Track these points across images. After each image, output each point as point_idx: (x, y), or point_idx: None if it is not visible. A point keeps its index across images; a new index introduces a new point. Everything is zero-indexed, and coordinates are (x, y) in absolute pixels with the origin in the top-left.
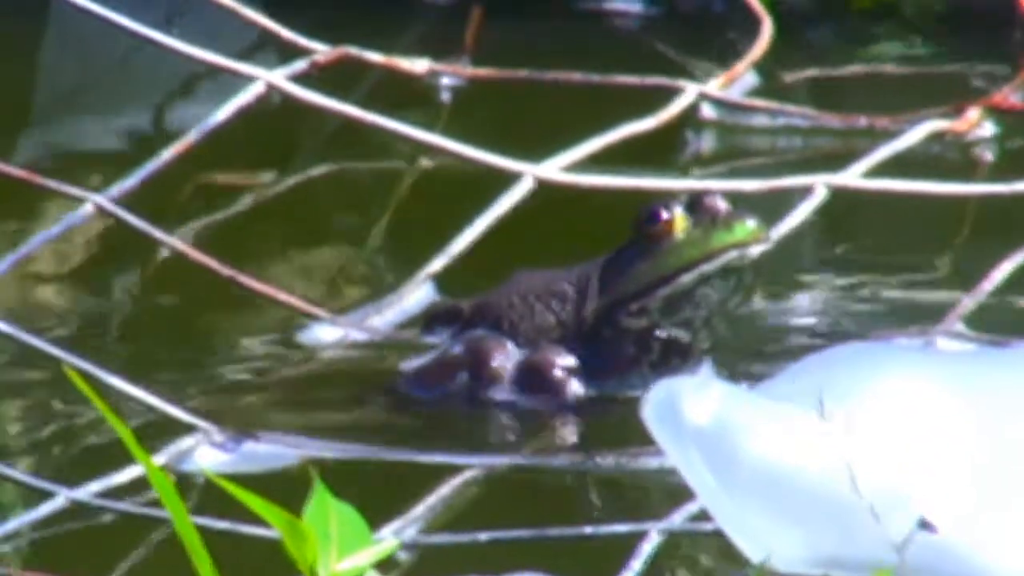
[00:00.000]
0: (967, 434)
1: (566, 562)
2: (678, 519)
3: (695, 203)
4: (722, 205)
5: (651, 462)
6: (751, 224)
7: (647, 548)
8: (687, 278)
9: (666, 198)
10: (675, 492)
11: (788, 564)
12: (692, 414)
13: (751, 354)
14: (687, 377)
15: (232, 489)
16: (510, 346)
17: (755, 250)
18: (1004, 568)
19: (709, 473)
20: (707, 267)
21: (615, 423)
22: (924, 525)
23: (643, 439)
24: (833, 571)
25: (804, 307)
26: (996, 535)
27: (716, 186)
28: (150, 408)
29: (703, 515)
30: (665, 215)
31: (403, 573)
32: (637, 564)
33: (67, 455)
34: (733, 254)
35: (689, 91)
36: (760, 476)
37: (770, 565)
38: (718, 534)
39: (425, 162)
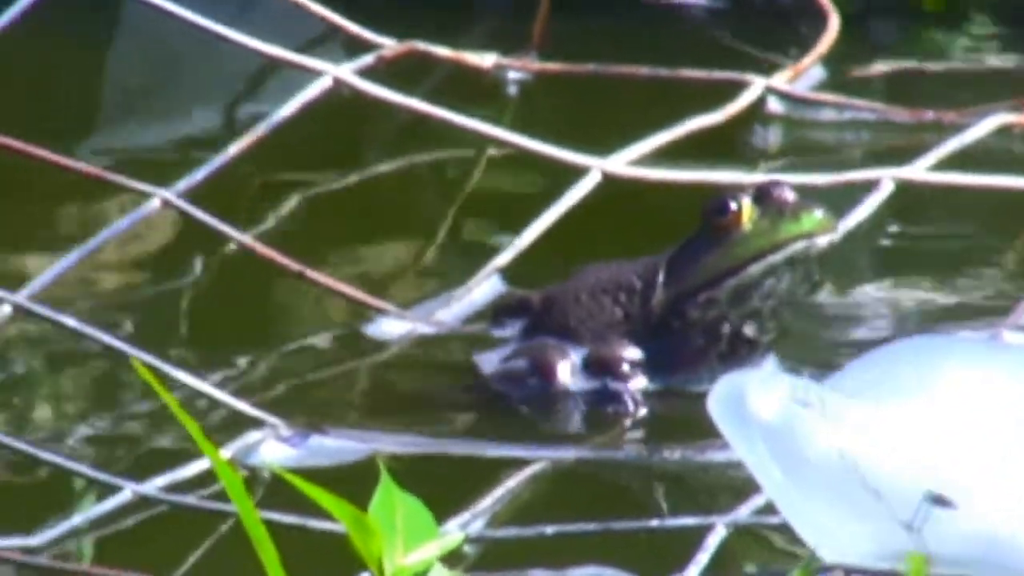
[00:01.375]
0: None
1: (632, 556)
2: (744, 512)
3: (763, 194)
4: (790, 196)
5: (717, 456)
6: (819, 215)
7: (713, 541)
8: (755, 269)
9: (735, 189)
10: (741, 486)
11: (855, 558)
12: (758, 408)
13: (817, 346)
14: (753, 371)
15: (298, 483)
16: (572, 353)
17: (823, 240)
18: None
19: (775, 466)
20: (775, 257)
21: (681, 416)
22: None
23: (709, 432)
24: (900, 566)
25: (870, 300)
26: None
27: (783, 179)
28: (217, 403)
29: (769, 508)
30: (733, 206)
31: (469, 566)
32: (703, 557)
33: (134, 449)
34: (801, 244)
35: (756, 85)
36: (826, 470)
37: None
38: (784, 527)
39: (492, 155)
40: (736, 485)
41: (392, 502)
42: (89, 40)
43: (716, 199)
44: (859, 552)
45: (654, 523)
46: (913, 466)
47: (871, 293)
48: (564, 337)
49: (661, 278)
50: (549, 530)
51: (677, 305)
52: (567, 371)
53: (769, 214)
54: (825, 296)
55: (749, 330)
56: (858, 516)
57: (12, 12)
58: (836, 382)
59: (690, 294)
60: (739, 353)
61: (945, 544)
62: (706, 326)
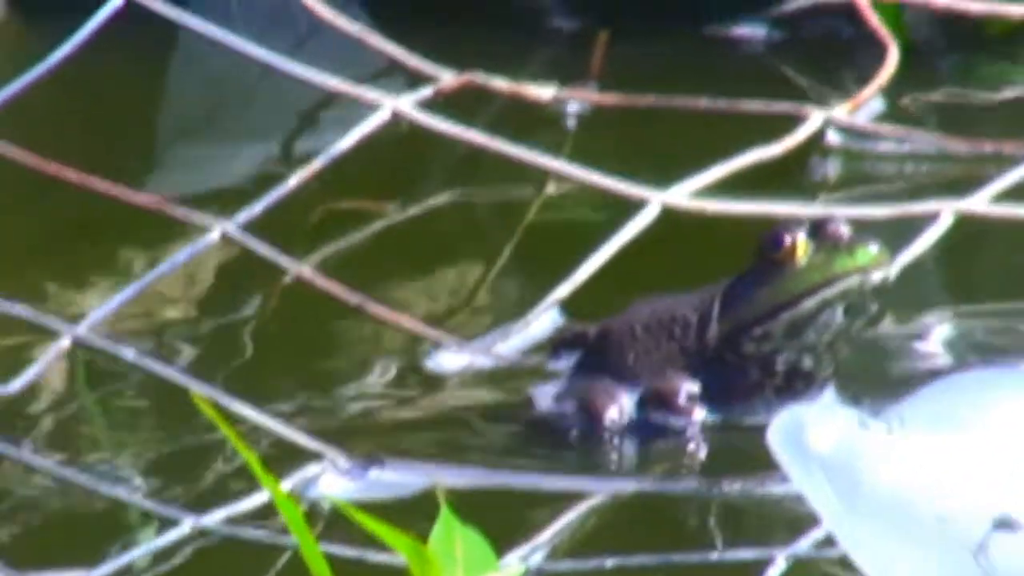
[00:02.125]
0: None
1: None
2: (804, 545)
3: (818, 229)
4: (844, 231)
5: (776, 488)
6: (873, 249)
7: (773, 574)
8: (810, 303)
9: (790, 224)
10: (800, 518)
11: None
12: (817, 440)
13: (875, 379)
14: (812, 403)
15: (358, 515)
16: (620, 393)
17: (877, 275)
18: None
19: (835, 499)
20: (829, 292)
21: (739, 449)
22: (1004, 524)
23: (768, 465)
24: None
25: (929, 333)
26: None
27: (842, 212)
28: (276, 435)
29: (829, 541)
30: (788, 240)
31: None
32: None
33: (193, 482)
34: (855, 279)
35: (815, 117)
36: (886, 502)
37: None
38: (844, 561)
39: (551, 188)
40: (795, 518)
41: (452, 534)
42: (146, 73)
43: (771, 233)
44: None
45: (713, 556)
46: (976, 494)
47: (932, 325)
48: (619, 371)
49: (716, 312)
50: (608, 563)
51: (732, 339)
52: (614, 413)
53: (824, 248)
54: (885, 328)
55: (805, 364)
56: (920, 548)
57: (66, 48)
58: (895, 414)
59: (745, 328)
60: (795, 387)
61: (1012, 570)
62: (761, 360)
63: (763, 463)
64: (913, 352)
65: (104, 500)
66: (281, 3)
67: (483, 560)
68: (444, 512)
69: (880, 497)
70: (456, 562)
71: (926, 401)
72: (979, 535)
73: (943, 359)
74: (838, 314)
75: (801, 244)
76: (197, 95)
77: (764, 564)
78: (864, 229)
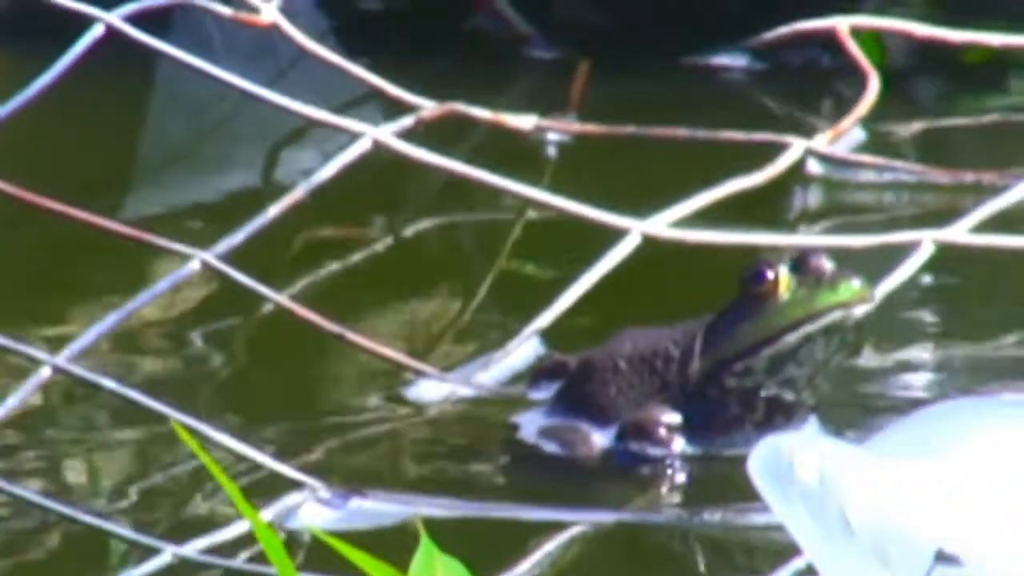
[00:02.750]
0: None
1: None
2: (785, 575)
3: (800, 263)
4: (827, 265)
5: (757, 518)
6: (855, 284)
7: None
8: (792, 338)
9: (772, 256)
10: (781, 548)
11: None
12: (798, 470)
13: (857, 410)
14: (793, 433)
15: (338, 545)
16: (591, 432)
17: (859, 310)
18: None
19: (816, 529)
20: (811, 327)
21: (720, 480)
22: (944, 558)
23: (748, 495)
24: None
25: (910, 362)
26: None
27: (823, 242)
28: (256, 464)
29: (810, 571)
30: (770, 275)
31: None
32: None
33: (174, 512)
34: (837, 314)
35: (796, 147)
36: (866, 532)
37: None
38: None
39: (531, 218)
40: (776, 548)
41: (432, 564)
42: (127, 102)
43: (753, 268)
44: None
45: None
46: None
47: (912, 355)
48: (600, 402)
49: (698, 346)
50: None
51: (714, 373)
52: (595, 444)
53: (806, 283)
54: (865, 358)
55: (786, 397)
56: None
57: (48, 76)
58: (876, 444)
59: (727, 363)
60: (776, 420)
61: None
62: (742, 394)
63: (745, 493)
64: (894, 382)
65: (85, 528)
66: (262, 35)
67: None
68: (424, 542)
69: (862, 528)
70: None
71: (907, 430)
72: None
73: (924, 389)
74: (819, 348)
75: (784, 279)
76: (178, 124)
77: None
78: (845, 259)
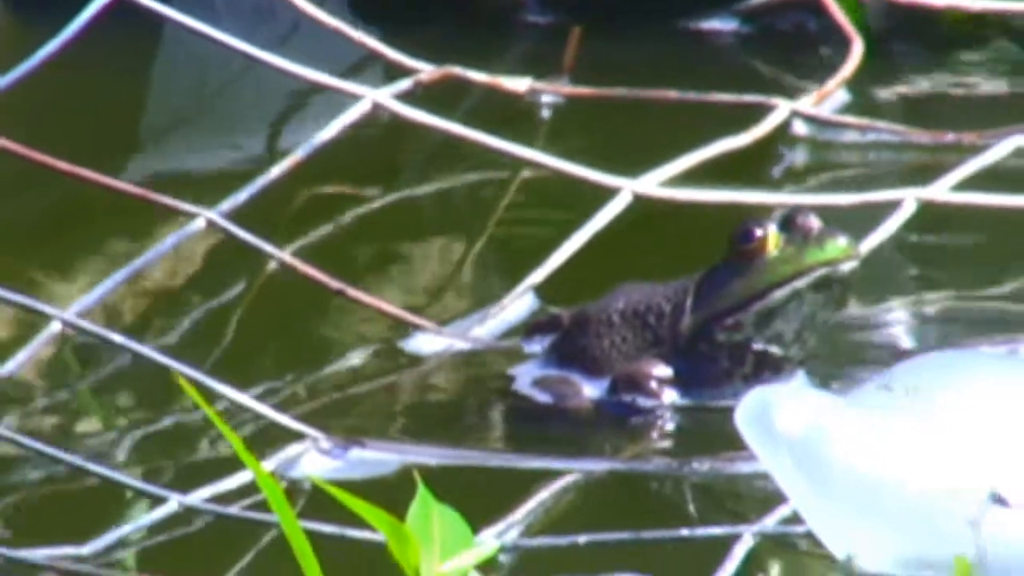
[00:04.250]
0: None
1: (662, 564)
2: (771, 522)
3: (788, 221)
4: (814, 223)
5: (744, 467)
6: (842, 242)
7: (741, 550)
8: (780, 294)
9: (760, 215)
10: (768, 496)
11: (876, 564)
12: (784, 421)
13: (843, 364)
14: (780, 386)
15: (338, 494)
16: (584, 384)
17: (845, 267)
18: None
19: (801, 477)
20: (799, 283)
21: (710, 431)
22: (997, 500)
23: (736, 445)
24: (920, 571)
25: (893, 318)
26: None
27: (808, 200)
28: (259, 416)
29: (795, 518)
30: (759, 233)
31: (504, 575)
32: (731, 566)
33: (180, 462)
34: (824, 271)
35: (782, 108)
36: (850, 480)
37: (857, 564)
38: (810, 536)
39: (526, 177)
40: (763, 496)
41: (429, 512)
42: (133, 66)
43: (742, 226)
44: (879, 558)
45: (683, 532)
46: (965, 471)
47: (895, 310)
48: (593, 355)
49: (689, 302)
50: (582, 539)
51: (705, 328)
52: (582, 402)
53: (794, 241)
54: (850, 313)
55: (773, 351)
56: (885, 523)
57: (57, 41)
58: (860, 395)
59: (717, 318)
60: (763, 373)
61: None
62: (732, 348)
63: (733, 443)
64: (877, 336)
65: (95, 479)
66: (264, 0)
67: (459, 537)
68: (421, 491)
69: (847, 475)
70: (433, 539)
71: (891, 382)
72: (973, 510)
73: (907, 343)
74: (806, 304)
75: (772, 237)
76: (183, 88)
77: (732, 540)
78: (830, 217)
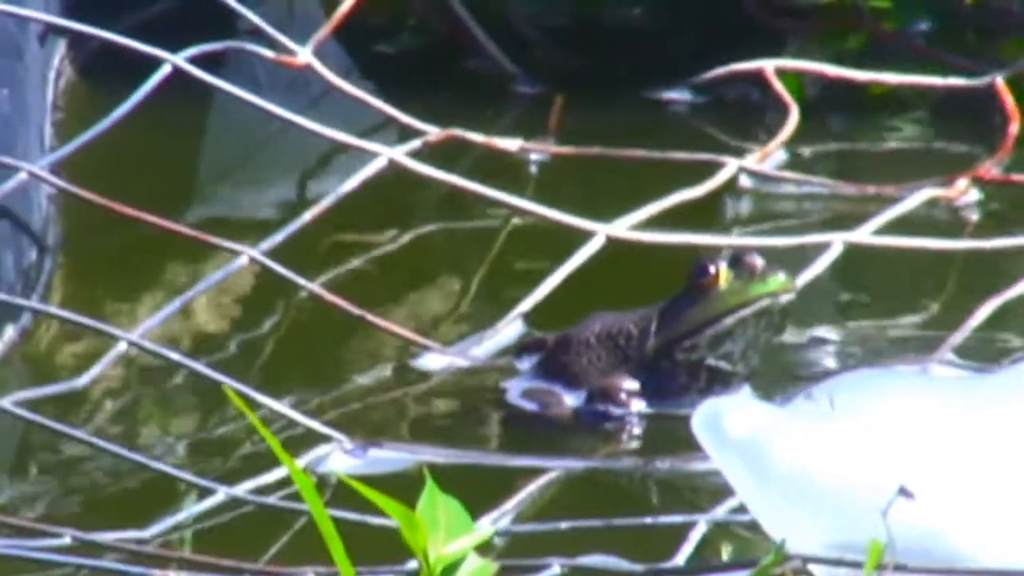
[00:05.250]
0: (955, 439)
1: (630, 546)
2: (721, 511)
3: (736, 260)
4: (759, 262)
5: (699, 465)
6: (781, 277)
7: (696, 535)
8: (729, 320)
9: (713, 254)
10: (718, 489)
11: (806, 547)
12: (732, 426)
13: (782, 379)
14: (729, 397)
15: (359, 487)
16: (565, 395)
17: (784, 298)
18: (983, 555)
19: (746, 474)
20: (745, 312)
21: (670, 435)
22: (904, 493)
23: (693, 447)
24: (845, 555)
25: (824, 340)
26: (977, 526)
27: (753, 242)
28: (293, 422)
29: (741, 508)
30: (712, 269)
31: (498, 555)
32: (688, 548)
33: (226, 460)
34: (767, 301)
35: (730, 165)
36: (787, 476)
37: (790, 549)
38: (754, 524)
39: (516, 222)
40: (715, 489)
41: (435, 503)
42: (189, 127)
43: (698, 263)
44: (810, 543)
45: (648, 520)
46: (875, 469)
47: (825, 334)
48: (573, 372)
49: (654, 327)
50: (563, 525)
51: (666, 349)
52: (563, 410)
53: (741, 276)
54: (789, 337)
55: (724, 368)
56: (817, 513)
57: (125, 106)
58: (797, 407)
59: (677, 340)
60: (715, 387)
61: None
62: (689, 365)
63: (690, 445)
64: (811, 356)
65: (154, 474)
66: (298, 73)
67: (461, 523)
68: (429, 484)
69: (785, 472)
70: (439, 525)
71: (822, 395)
72: (882, 501)
73: (834, 362)
74: (751, 329)
75: (723, 272)
76: (230, 146)
77: (689, 527)
78: (771, 256)
